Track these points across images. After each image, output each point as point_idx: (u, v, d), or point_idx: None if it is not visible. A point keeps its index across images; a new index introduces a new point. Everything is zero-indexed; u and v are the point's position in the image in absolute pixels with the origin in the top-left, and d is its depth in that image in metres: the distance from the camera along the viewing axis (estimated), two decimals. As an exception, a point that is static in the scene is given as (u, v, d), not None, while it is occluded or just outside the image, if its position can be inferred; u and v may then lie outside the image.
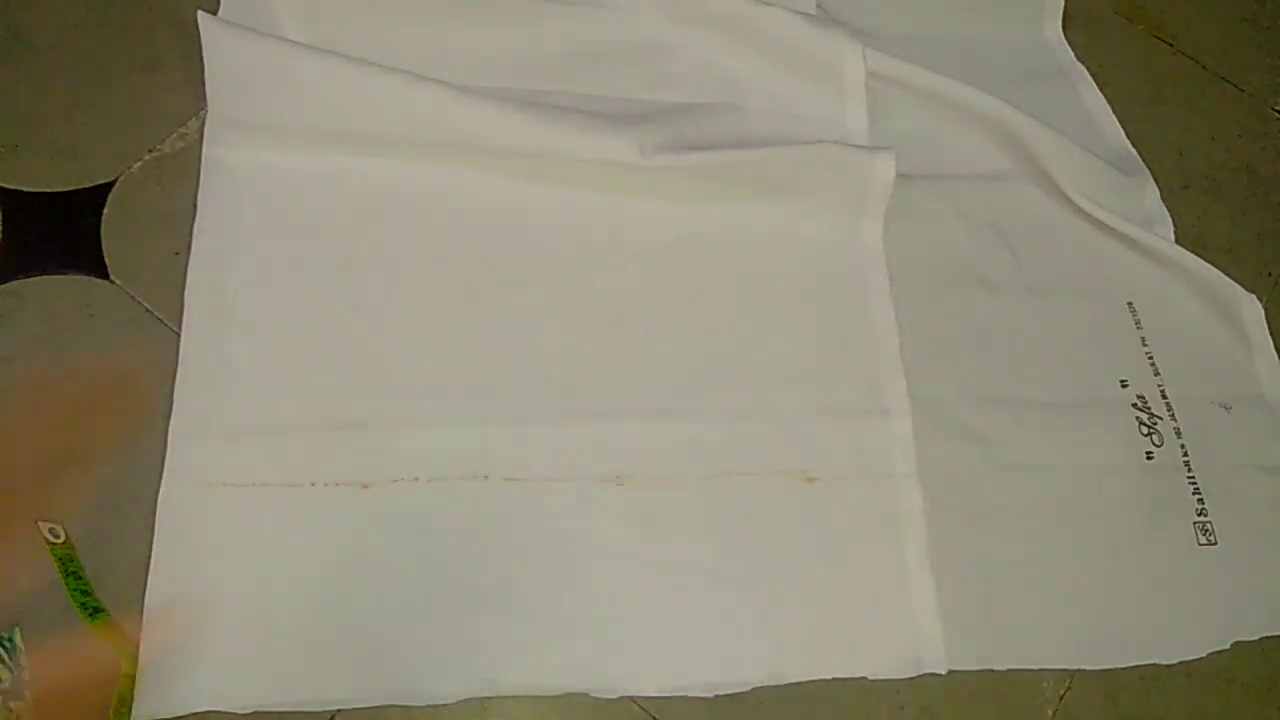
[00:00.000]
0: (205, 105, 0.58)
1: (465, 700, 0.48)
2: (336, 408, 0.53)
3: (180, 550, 0.49)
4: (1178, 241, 0.67)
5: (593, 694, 0.49)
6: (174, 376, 0.52)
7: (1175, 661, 0.54)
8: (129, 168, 0.59)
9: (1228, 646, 0.55)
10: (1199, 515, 0.58)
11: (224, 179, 0.58)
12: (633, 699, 0.50)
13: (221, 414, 0.52)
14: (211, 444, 0.51)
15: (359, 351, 0.55)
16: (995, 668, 0.52)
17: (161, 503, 0.50)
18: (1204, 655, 0.54)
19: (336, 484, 0.51)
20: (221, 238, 0.56)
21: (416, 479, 0.52)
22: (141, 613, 0.47)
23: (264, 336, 0.54)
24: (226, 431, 0.52)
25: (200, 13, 0.56)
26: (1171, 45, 0.78)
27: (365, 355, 0.55)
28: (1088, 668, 0.53)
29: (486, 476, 0.53)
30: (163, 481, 0.50)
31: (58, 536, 0.49)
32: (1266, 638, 0.56)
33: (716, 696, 0.50)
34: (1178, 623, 0.55)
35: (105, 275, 0.56)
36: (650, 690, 0.50)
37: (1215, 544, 0.58)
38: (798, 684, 0.51)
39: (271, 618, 0.48)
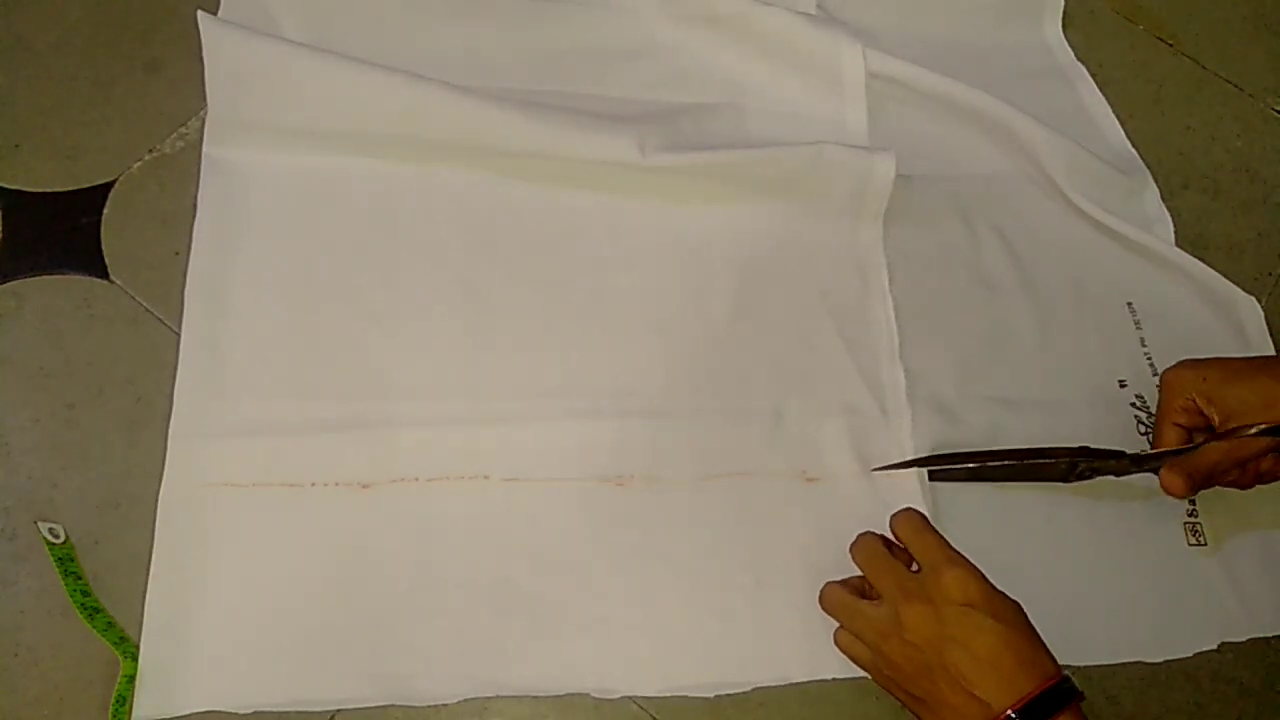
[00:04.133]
0: (205, 105, 0.58)
1: (466, 700, 0.48)
2: (337, 407, 0.53)
3: (180, 551, 0.49)
4: (1177, 242, 0.68)
5: (593, 694, 0.49)
6: (174, 376, 0.52)
7: (1162, 660, 0.54)
8: (129, 168, 0.59)
9: (1215, 647, 0.55)
10: (1189, 516, 0.58)
11: (224, 179, 0.58)
12: (632, 699, 0.50)
13: (221, 414, 0.52)
14: (211, 444, 0.51)
15: (359, 351, 0.55)
16: (995, 668, 0.52)
17: (161, 503, 0.49)
18: (1190, 655, 0.54)
19: (337, 484, 0.51)
20: (221, 237, 0.56)
21: (417, 479, 0.52)
22: (142, 613, 0.47)
23: (264, 336, 0.54)
24: (226, 431, 0.51)
25: (200, 12, 0.56)
26: (1171, 45, 0.78)
27: (365, 355, 0.55)
28: (1076, 664, 0.53)
29: (487, 476, 0.52)
30: (162, 482, 0.50)
31: (58, 536, 0.49)
32: (1266, 638, 0.56)
33: (717, 696, 0.50)
34: (1166, 622, 0.55)
35: (105, 275, 0.56)
36: (651, 690, 0.49)
37: (1204, 544, 0.58)
38: (798, 684, 0.51)
39: (271, 618, 0.48)
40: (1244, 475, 0.53)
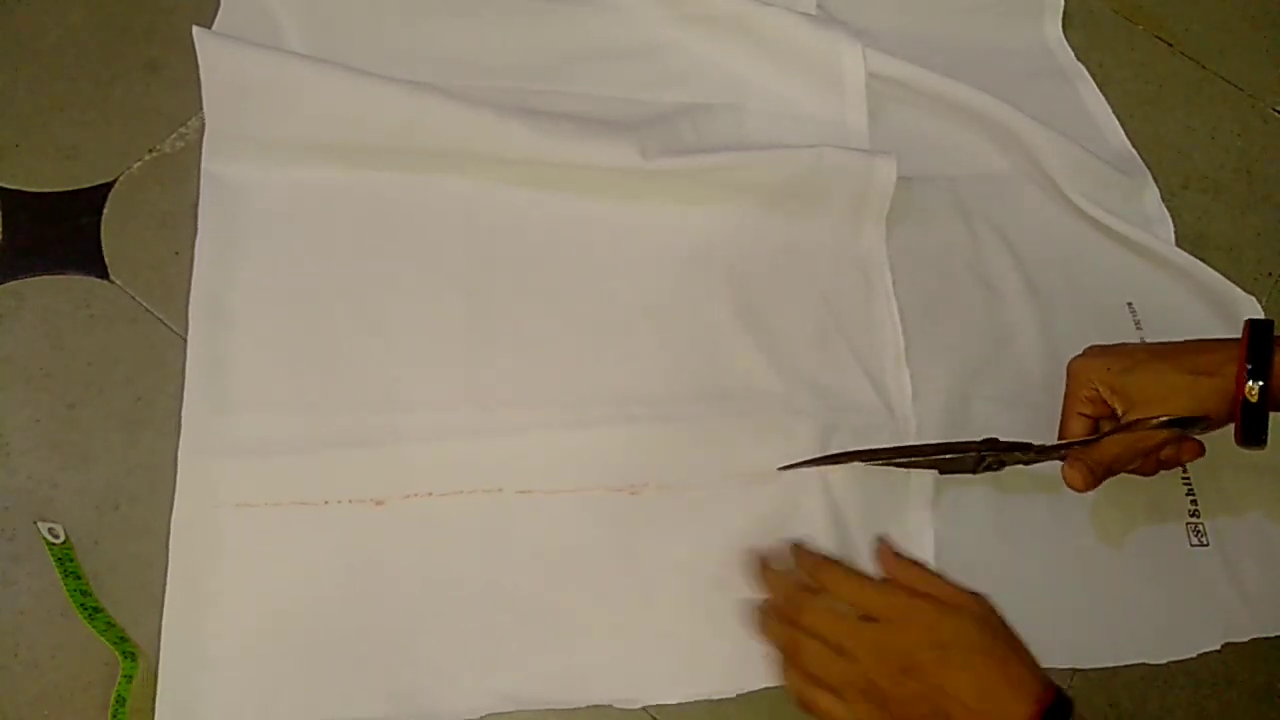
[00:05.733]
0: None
1: (485, 716, 0.48)
2: (346, 423, 0.52)
3: (195, 572, 0.48)
4: (1178, 242, 0.68)
5: (614, 705, 0.49)
6: (174, 376, 0.52)
7: (1165, 661, 0.54)
8: (129, 168, 0.59)
9: (1218, 648, 0.55)
10: (1191, 516, 0.58)
11: (224, 194, 0.57)
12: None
13: (231, 432, 0.51)
14: (222, 463, 0.50)
15: (366, 365, 0.54)
16: (995, 668, 0.52)
17: (174, 524, 0.49)
18: (1194, 655, 0.55)
19: (350, 501, 0.51)
20: (224, 253, 0.56)
21: (430, 493, 0.51)
22: (142, 613, 0.47)
23: (271, 352, 0.54)
24: (237, 450, 0.51)
25: (196, 28, 0.55)
26: (1171, 45, 0.78)
27: (374, 369, 0.54)
28: (1080, 667, 0.53)
29: (499, 489, 0.52)
30: (174, 503, 0.49)
31: (57, 537, 0.49)
32: (1266, 638, 0.56)
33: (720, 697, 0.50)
34: (1168, 623, 0.55)
35: (105, 275, 0.56)
36: (672, 699, 0.49)
37: (1206, 545, 0.58)
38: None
39: (288, 637, 0.48)
40: (1146, 463, 0.53)
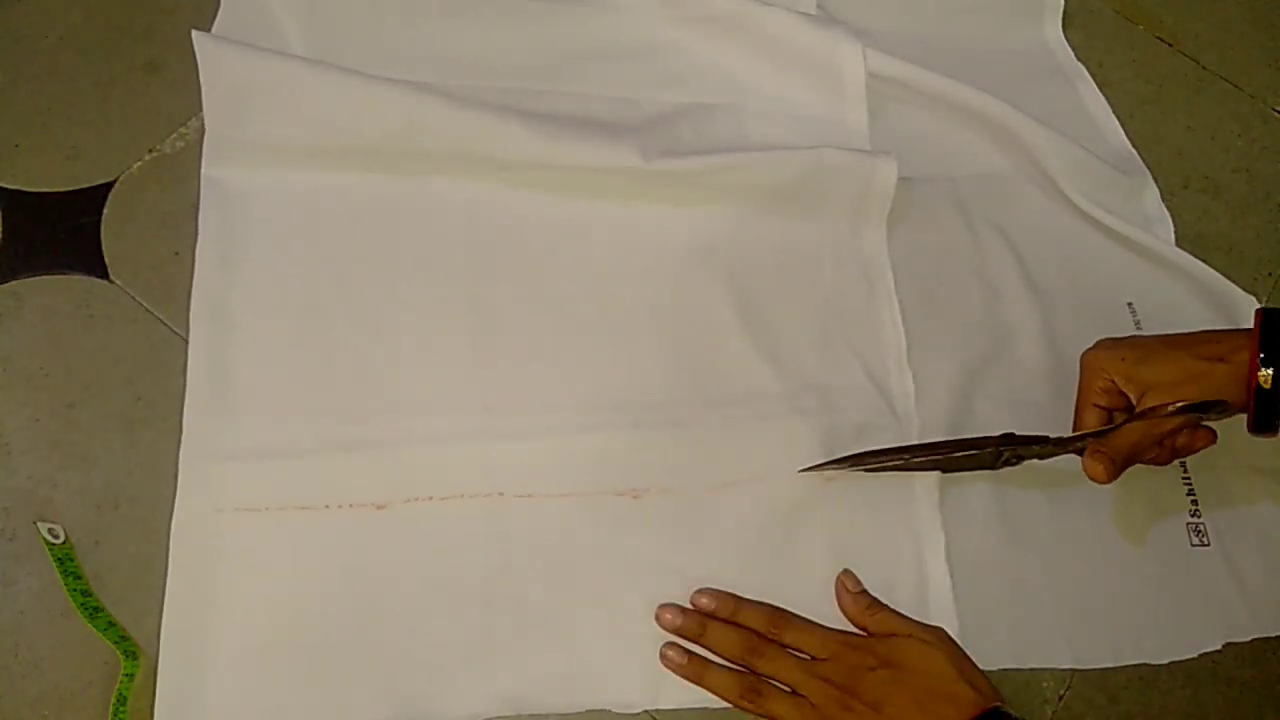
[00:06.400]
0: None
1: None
2: (347, 427, 0.52)
3: (195, 576, 0.48)
4: (1178, 242, 0.68)
5: (613, 709, 0.49)
6: (174, 376, 0.52)
7: (1166, 661, 0.54)
8: (129, 168, 0.59)
9: (1219, 648, 0.55)
10: (1192, 516, 0.58)
11: (224, 199, 0.57)
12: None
13: (232, 437, 0.51)
14: (223, 468, 0.50)
15: (367, 369, 0.54)
16: (995, 667, 0.52)
17: (175, 528, 0.49)
18: (1195, 656, 0.55)
19: (351, 505, 0.51)
20: (224, 258, 0.55)
21: (430, 498, 0.51)
22: (142, 612, 0.47)
23: (272, 357, 0.53)
24: (238, 455, 0.51)
25: (195, 32, 0.55)
26: (1171, 45, 0.79)
27: (374, 373, 0.54)
28: (1081, 668, 0.53)
29: (501, 493, 0.52)
30: (175, 507, 0.49)
31: (57, 537, 0.49)
32: (1266, 638, 0.56)
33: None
34: (1169, 623, 0.55)
35: (105, 275, 0.56)
36: (671, 704, 0.49)
37: (1207, 545, 0.58)
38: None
39: (289, 641, 0.48)
40: (1161, 452, 0.53)
